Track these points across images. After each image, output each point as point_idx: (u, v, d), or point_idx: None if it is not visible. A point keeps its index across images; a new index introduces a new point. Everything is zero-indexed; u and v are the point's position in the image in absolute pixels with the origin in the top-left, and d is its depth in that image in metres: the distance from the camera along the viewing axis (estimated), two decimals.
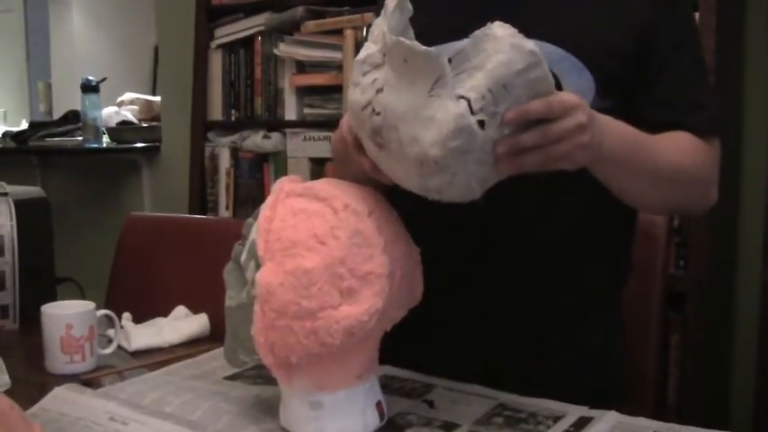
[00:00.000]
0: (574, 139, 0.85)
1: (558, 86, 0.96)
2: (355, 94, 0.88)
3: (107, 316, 1.30)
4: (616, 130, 0.96)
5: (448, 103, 0.80)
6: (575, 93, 0.89)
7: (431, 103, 0.80)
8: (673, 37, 1.09)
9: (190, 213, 2.79)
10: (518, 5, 1.06)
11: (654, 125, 1.05)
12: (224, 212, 2.79)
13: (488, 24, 0.82)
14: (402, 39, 0.80)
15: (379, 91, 0.84)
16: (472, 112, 0.80)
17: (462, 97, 0.80)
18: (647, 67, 1.08)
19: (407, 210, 0.96)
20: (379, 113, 0.84)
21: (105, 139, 3.22)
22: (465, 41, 0.82)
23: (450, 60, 0.81)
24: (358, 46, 2.39)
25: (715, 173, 1.12)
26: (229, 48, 2.75)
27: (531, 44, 0.81)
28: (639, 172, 1.01)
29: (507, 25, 0.82)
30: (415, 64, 0.80)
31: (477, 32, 0.82)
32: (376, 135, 0.86)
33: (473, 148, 0.81)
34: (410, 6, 0.86)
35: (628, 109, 1.07)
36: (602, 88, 1.05)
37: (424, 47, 0.80)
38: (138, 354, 1.31)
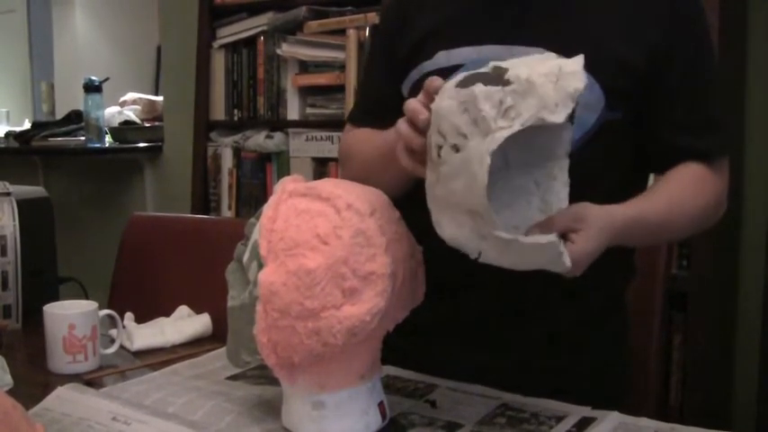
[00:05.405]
0: None
1: None
2: (455, 114, 0.82)
3: (109, 316, 1.30)
4: (623, 222, 0.96)
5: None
6: (584, 105, 0.88)
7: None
8: (688, 57, 1.08)
9: (192, 213, 2.79)
10: (529, 14, 1.05)
11: (666, 146, 1.07)
12: (226, 212, 2.80)
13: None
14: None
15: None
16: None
17: None
18: (660, 86, 1.07)
19: (410, 209, 0.96)
20: (455, 150, 0.82)
21: (108, 139, 3.22)
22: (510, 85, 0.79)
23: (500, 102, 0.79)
24: (361, 46, 2.39)
25: (724, 195, 1.13)
26: (232, 47, 2.75)
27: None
28: (654, 238, 1.11)
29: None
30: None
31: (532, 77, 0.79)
32: (438, 164, 0.84)
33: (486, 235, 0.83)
34: None
35: (636, 121, 1.07)
36: (611, 100, 1.05)
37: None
38: (140, 354, 1.31)
